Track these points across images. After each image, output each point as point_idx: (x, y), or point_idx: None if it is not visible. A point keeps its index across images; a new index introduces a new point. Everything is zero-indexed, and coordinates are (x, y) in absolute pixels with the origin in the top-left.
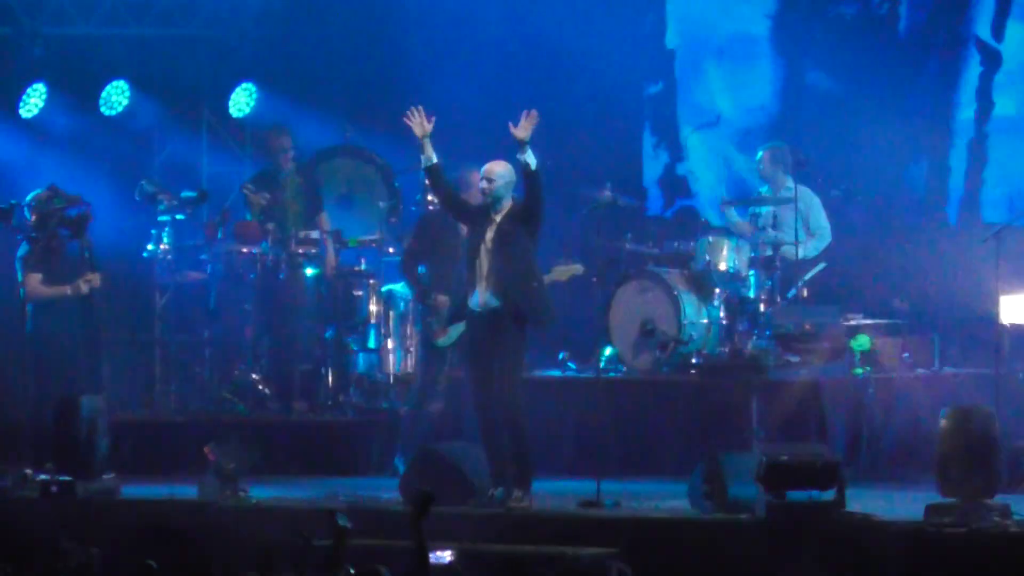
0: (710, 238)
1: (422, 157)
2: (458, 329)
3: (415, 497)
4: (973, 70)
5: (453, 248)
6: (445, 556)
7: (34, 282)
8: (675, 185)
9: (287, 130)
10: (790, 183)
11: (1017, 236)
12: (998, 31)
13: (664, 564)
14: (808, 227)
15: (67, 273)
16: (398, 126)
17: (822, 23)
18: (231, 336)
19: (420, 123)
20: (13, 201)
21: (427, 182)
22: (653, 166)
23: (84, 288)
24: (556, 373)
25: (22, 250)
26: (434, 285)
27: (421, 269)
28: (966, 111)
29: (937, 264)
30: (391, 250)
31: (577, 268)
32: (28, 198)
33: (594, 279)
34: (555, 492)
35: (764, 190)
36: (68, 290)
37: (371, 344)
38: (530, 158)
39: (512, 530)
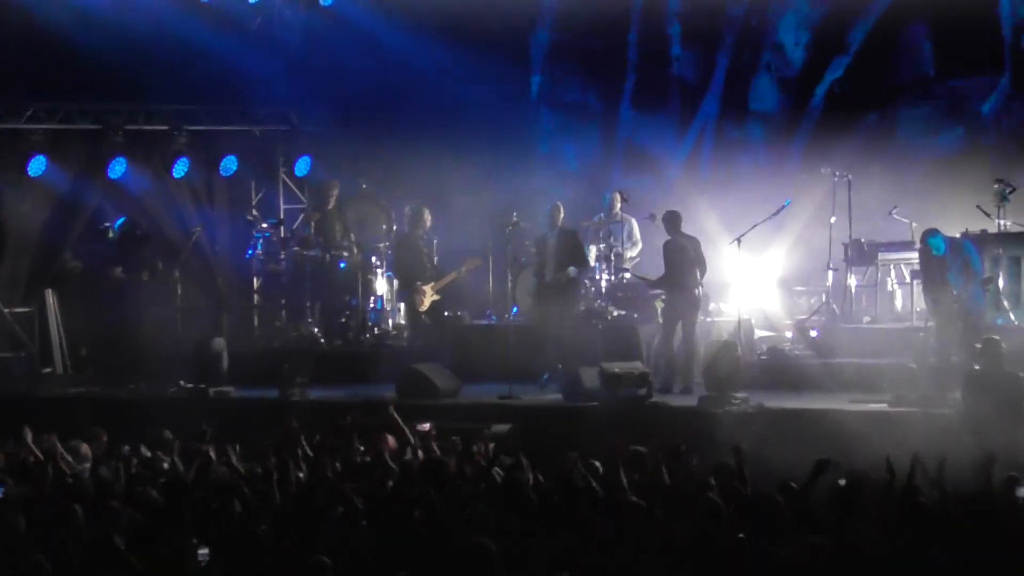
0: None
1: None
2: (432, 299)
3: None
4: None
5: (417, 254)
6: (425, 426)
7: None
8: None
9: (336, 183)
10: (620, 211)
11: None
12: None
13: (548, 432)
14: (631, 239)
15: None
16: (389, 177)
17: None
18: (297, 303)
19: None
20: None
21: None
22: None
23: None
24: (485, 322)
25: None
26: (412, 276)
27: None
28: None
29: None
30: (389, 252)
31: (479, 261)
32: None
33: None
34: (486, 392)
35: (603, 216)
36: None
37: (379, 306)
38: None
39: (461, 413)
